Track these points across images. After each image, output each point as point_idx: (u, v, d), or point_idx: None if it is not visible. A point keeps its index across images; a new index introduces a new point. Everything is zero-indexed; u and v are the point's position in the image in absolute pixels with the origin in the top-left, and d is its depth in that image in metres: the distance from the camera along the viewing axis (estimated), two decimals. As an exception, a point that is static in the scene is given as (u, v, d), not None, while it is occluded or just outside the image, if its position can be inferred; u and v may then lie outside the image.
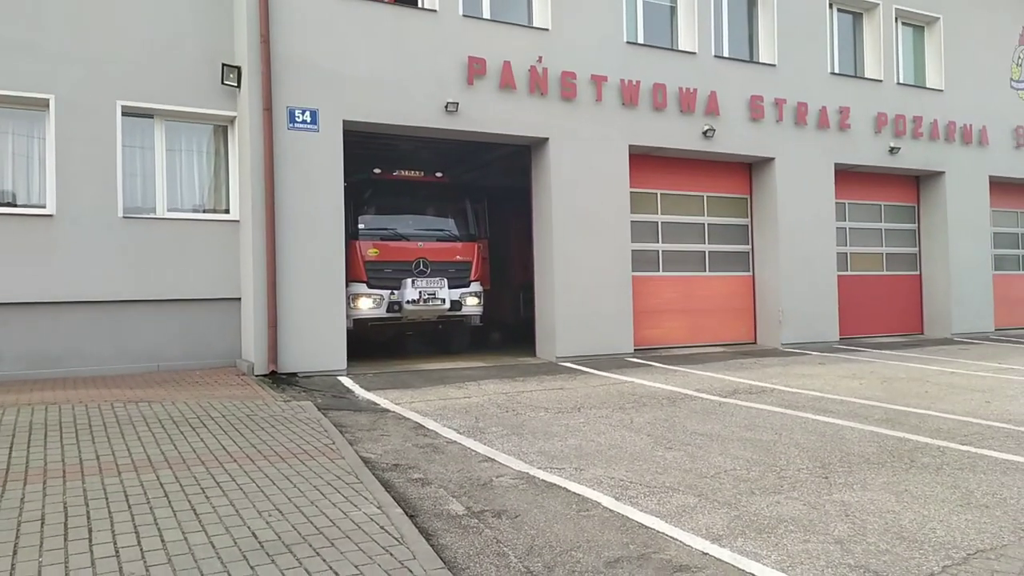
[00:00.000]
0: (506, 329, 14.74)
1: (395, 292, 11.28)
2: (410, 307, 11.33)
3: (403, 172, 12.10)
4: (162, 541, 3.79)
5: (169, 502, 4.41)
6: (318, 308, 9.94)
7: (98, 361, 9.63)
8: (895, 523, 4.35)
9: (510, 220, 14.65)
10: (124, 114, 9.84)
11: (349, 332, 10.90)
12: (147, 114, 10.10)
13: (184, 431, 6.26)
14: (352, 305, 11.10)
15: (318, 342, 9.95)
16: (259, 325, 9.64)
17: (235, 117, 10.36)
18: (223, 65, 10.01)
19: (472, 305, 11.91)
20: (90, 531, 3.91)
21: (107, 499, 4.43)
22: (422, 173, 12.27)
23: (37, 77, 9.34)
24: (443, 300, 11.52)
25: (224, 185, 10.67)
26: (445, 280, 11.60)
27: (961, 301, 15.92)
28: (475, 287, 12.00)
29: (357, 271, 11.20)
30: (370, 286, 11.24)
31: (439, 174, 12.42)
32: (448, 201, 12.47)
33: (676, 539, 4.13)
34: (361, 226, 11.48)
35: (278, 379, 9.47)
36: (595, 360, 11.51)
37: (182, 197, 10.53)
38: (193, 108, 10.21)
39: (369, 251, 11.32)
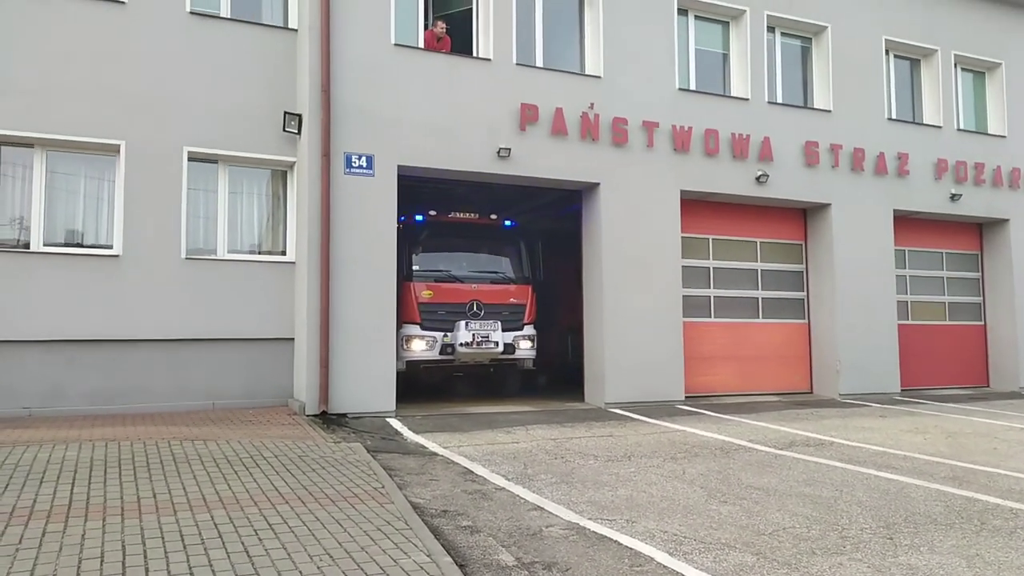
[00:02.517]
0: (553, 372, 14.65)
1: (448, 334, 11.29)
2: (463, 350, 11.29)
3: (458, 214, 12.18)
4: (215, 583, 3.82)
5: (223, 543, 4.44)
6: (369, 349, 10.05)
7: (156, 398, 9.86)
8: (968, 591, 4.13)
9: (558, 263, 14.66)
10: (190, 159, 10.23)
11: (400, 374, 10.92)
12: (211, 159, 10.48)
13: (238, 470, 6.33)
14: (405, 347, 11.13)
15: (368, 383, 10.03)
16: (311, 365, 9.77)
17: (294, 162, 10.67)
18: (285, 113, 10.36)
19: (525, 348, 11.87)
20: (147, 571, 3.96)
21: (163, 538, 4.48)
22: (476, 215, 12.32)
23: (110, 124, 9.78)
24: (496, 343, 11.49)
25: (282, 227, 10.95)
26: (499, 323, 11.57)
27: (1029, 353, 15.27)
28: (528, 330, 11.95)
29: (410, 312, 11.25)
30: (423, 328, 11.27)
31: (493, 216, 12.42)
32: (502, 243, 12.48)
33: (734, 600, 3.99)
34: (415, 267, 11.56)
35: (328, 419, 9.56)
36: (645, 407, 11.33)
37: (242, 239, 10.83)
38: (255, 154, 10.55)
39: (423, 293, 11.38)
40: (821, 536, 5.14)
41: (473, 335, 11.34)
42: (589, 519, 5.48)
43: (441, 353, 11.29)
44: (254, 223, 10.97)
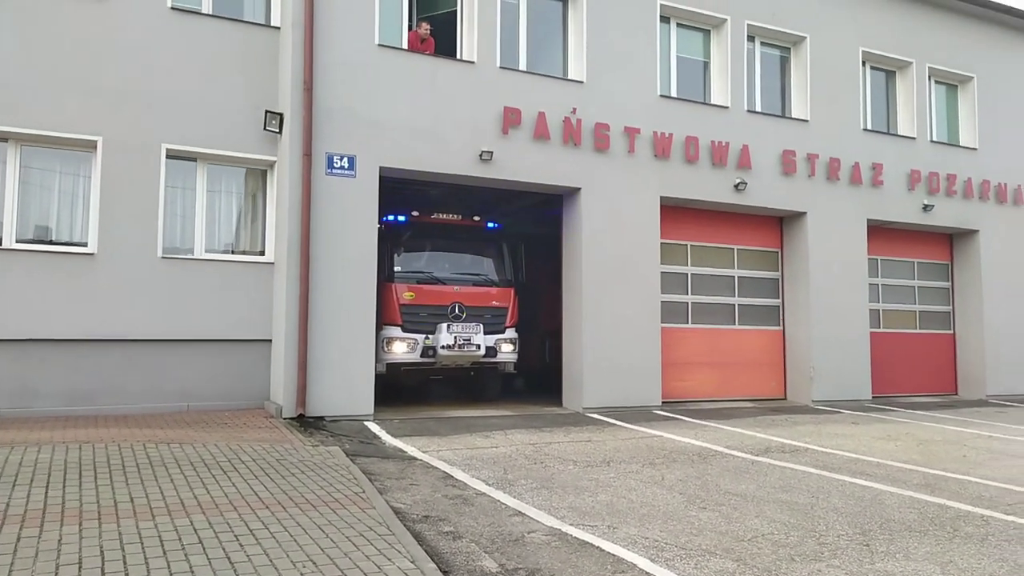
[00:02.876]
0: (530, 376, 14.66)
1: (430, 337, 11.18)
2: (444, 352, 11.20)
3: (440, 215, 12.07)
4: (198, 591, 3.77)
5: (204, 549, 4.39)
6: (348, 352, 9.99)
7: (130, 399, 9.72)
8: (943, 598, 4.22)
9: (537, 267, 14.68)
10: (168, 157, 10.10)
11: (379, 377, 10.85)
12: (191, 157, 10.36)
13: (215, 474, 6.26)
14: (386, 349, 11.05)
15: (346, 386, 9.97)
16: (289, 367, 9.69)
17: (275, 162, 10.59)
18: (266, 112, 10.27)
19: (507, 352, 11.80)
20: (126, 577, 3.91)
21: (143, 544, 4.42)
22: (459, 216, 12.20)
23: (87, 119, 9.63)
24: (478, 346, 11.40)
25: (260, 228, 10.85)
26: (481, 326, 11.49)
27: (997, 362, 15.59)
28: (510, 333, 11.89)
29: (392, 314, 11.14)
30: (404, 330, 11.17)
31: (476, 217, 12.31)
32: (485, 245, 12.36)
33: (716, 607, 4.03)
34: (397, 268, 11.45)
35: (305, 422, 9.48)
36: (622, 412, 11.39)
37: (219, 239, 10.72)
38: (235, 152, 10.45)
39: (405, 294, 11.27)
40: (799, 543, 5.21)
41: (455, 338, 11.26)
42: (571, 525, 5.50)
43: (422, 356, 11.19)
44: (232, 223, 10.86)
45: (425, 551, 4.65)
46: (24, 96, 9.37)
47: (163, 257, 10.00)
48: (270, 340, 10.46)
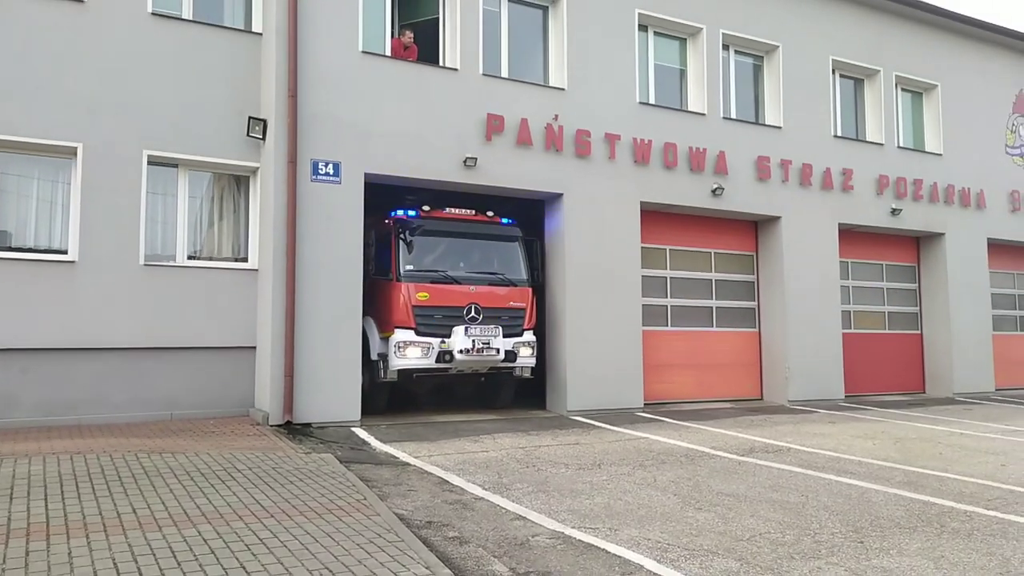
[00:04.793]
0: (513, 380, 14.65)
1: (445, 340, 10.48)
2: (462, 357, 10.49)
3: (453, 210, 11.34)
4: (220, 601, 3.79)
5: (217, 559, 4.40)
6: (335, 358, 9.97)
7: (112, 408, 9.58)
8: (940, 591, 4.39)
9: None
10: (150, 163, 9.99)
11: (386, 385, 10.65)
12: (172, 163, 10.25)
13: (214, 484, 6.24)
14: (398, 354, 10.35)
15: (334, 392, 9.95)
16: (275, 374, 9.64)
17: (258, 168, 10.53)
18: (249, 118, 10.21)
19: (526, 356, 11.14)
20: (146, 589, 3.90)
21: (155, 555, 4.41)
22: (473, 211, 11.49)
23: (66, 126, 9.49)
24: (497, 350, 10.74)
25: (243, 234, 10.78)
26: (500, 328, 10.82)
27: (962, 361, 16.09)
28: (528, 336, 11.24)
29: (403, 316, 10.42)
30: (418, 333, 10.41)
31: (490, 213, 11.55)
32: (501, 242, 11.56)
33: (727, 605, 4.15)
34: (409, 267, 10.64)
35: (293, 430, 9.44)
36: (606, 414, 11.53)
37: (202, 246, 10.63)
38: (217, 159, 10.37)
39: (418, 295, 10.48)
40: (796, 541, 5.37)
41: (473, 341, 10.56)
42: (573, 528, 5.59)
43: (437, 361, 10.45)
44: (215, 229, 10.77)
45: (437, 557, 4.70)
46: (2, 102, 9.20)
47: (145, 264, 9.89)
48: (254, 347, 10.39)
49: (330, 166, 10.18)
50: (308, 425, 9.71)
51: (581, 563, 4.82)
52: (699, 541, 5.33)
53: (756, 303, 14.46)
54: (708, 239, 13.98)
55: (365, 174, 10.39)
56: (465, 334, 10.55)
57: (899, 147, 15.79)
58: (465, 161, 10.98)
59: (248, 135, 10.25)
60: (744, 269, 14.45)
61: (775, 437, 10.00)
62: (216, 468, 6.82)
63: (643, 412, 12.03)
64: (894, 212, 15.28)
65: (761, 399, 14.23)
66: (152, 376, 9.88)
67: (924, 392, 16.43)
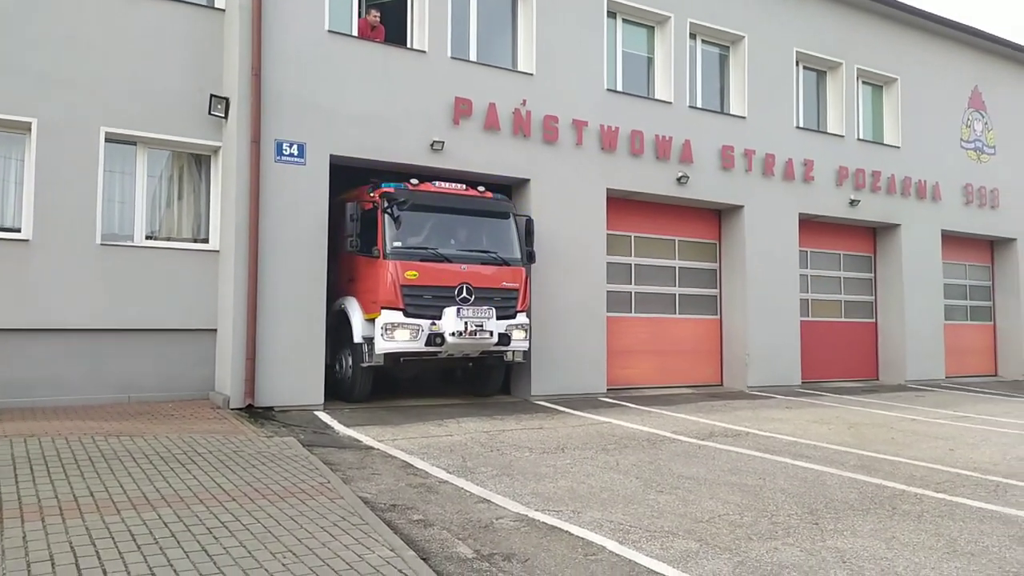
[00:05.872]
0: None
1: (436, 322, 9.91)
2: (454, 340, 9.90)
3: (442, 184, 10.74)
4: (182, 584, 3.75)
5: (178, 542, 4.35)
6: (297, 342, 9.87)
7: (68, 391, 9.38)
8: (891, 570, 4.54)
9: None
10: (107, 140, 9.74)
11: (370, 370, 10.21)
12: (130, 141, 10.01)
13: (174, 467, 6.15)
14: (386, 336, 9.77)
15: (296, 376, 9.87)
16: (236, 357, 9.52)
17: (219, 147, 10.33)
18: (211, 96, 10.00)
19: (519, 339, 10.60)
20: (104, 572, 3.84)
21: (113, 539, 4.35)
22: (463, 185, 10.93)
23: (20, 100, 9.20)
24: (491, 333, 10.14)
25: (204, 215, 10.59)
26: (493, 310, 10.24)
27: (915, 349, 16.53)
28: (521, 319, 10.70)
29: (391, 296, 9.83)
30: (407, 314, 9.84)
31: (481, 188, 11.01)
32: (493, 218, 10.99)
33: (687, 585, 4.24)
34: (397, 244, 10.00)
35: (255, 413, 9.36)
36: (569, 399, 11.62)
37: (161, 225, 10.42)
38: (177, 137, 10.15)
39: (407, 273, 9.89)
40: (754, 522, 5.49)
41: (466, 324, 9.94)
42: (536, 511, 5.65)
43: (427, 344, 9.88)
44: (174, 209, 10.56)
45: (402, 539, 4.71)
46: (-49, 73, 8.90)
47: (102, 244, 9.66)
48: (215, 330, 10.24)
49: (295, 147, 10.03)
50: (270, 409, 9.62)
51: (545, 545, 4.87)
52: (660, 523, 5.42)
53: (718, 291, 14.67)
54: (672, 227, 14.11)
55: (331, 156, 10.27)
56: (457, 316, 9.93)
57: (859, 139, 16.09)
58: (432, 145, 10.91)
59: (210, 113, 10.03)
60: (707, 257, 14.64)
61: (734, 422, 10.19)
62: (176, 451, 6.73)
63: (606, 397, 12.15)
64: (852, 203, 15.59)
65: (721, 385, 14.47)
66: (109, 358, 9.68)
67: (878, 379, 16.87)
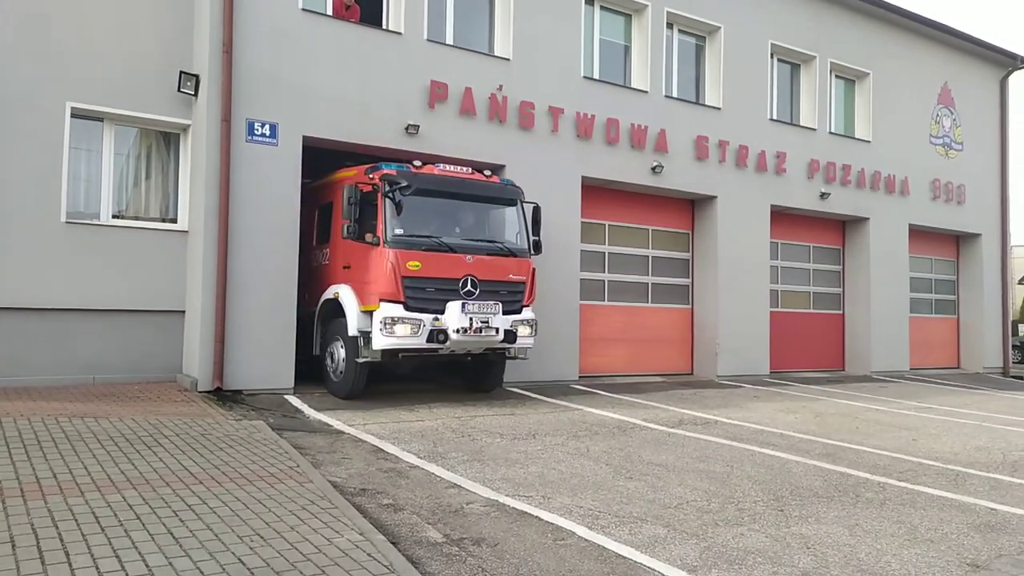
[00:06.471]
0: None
1: (439, 317, 9.19)
2: (458, 337, 9.17)
3: (447, 167, 9.97)
4: (147, 567, 3.70)
5: (143, 525, 4.29)
6: (268, 324, 9.76)
7: (32, 371, 9.18)
8: (853, 556, 4.62)
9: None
10: (73, 116, 9.51)
11: (366, 366, 9.45)
12: (97, 117, 9.79)
13: (140, 450, 6.07)
14: (385, 331, 8.98)
15: (266, 359, 9.76)
16: (205, 339, 9.40)
17: (189, 125, 10.14)
18: (181, 72, 9.80)
19: (525, 336, 9.87)
20: (67, 555, 3.78)
21: (77, 521, 4.28)
22: (469, 169, 10.20)
23: (-18, 72, 8.95)
24: (497, 329, 9.45)
25: (173, 194, 10.40)
26: (499, 304, 9.56)
27: (880, 341, 16.83)
28: (528, 314, 10.01)
29: (391, 288, 9.07)
30: (408, 308, 9.06)
31: (487, 172, 10.32)
32: (499, 206, 10.36)
33: (655, 570, 4.29)
34: (398, 231, 9.21)
35: (223, 396, 9.25)
36: (541, 386, 11.65)
37: (128, 205, 10.22)
38: (145, 114, 9.95)
39: (409, 264, 9.10)
40: (721, 509, 5.56)
41: (471, 320, 9.24)
42: (507, 496, 5.66)
43: (429, 340, 9.10)
44: (142, 188, 10.36)
45: (371, 523, 4.70)
46: (-91, 42, 8.61)
47: (67, 222, 9.45)
48: (183, 311, 10.09)
49: (267, 127, 9.88)
50: (239, 392, 9.51)
51: (514, 530, 4.89)
52: (629, 509, 5.46)
53: (690, 280, 14.78)
54: (646, 216, 14.17)
55: (303, 137, 10.13)
56: (462, 311, 9.22)
57: (830, 132, 16.26)
58: (407, 128, 10.81)
59: (179, 91, 9.84)
60: (680, 247, 14.73)
61: (703, 410, 10.30)
62: (141, 433, 6.63)
63: (578, 385, 12.21)
64: (823, 196, 15.77)
65: (692, 374, 14.60)
66: (74, 338, 9.50)
67: (844, 370, 17.15)
